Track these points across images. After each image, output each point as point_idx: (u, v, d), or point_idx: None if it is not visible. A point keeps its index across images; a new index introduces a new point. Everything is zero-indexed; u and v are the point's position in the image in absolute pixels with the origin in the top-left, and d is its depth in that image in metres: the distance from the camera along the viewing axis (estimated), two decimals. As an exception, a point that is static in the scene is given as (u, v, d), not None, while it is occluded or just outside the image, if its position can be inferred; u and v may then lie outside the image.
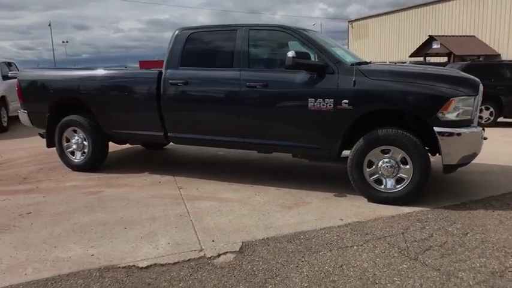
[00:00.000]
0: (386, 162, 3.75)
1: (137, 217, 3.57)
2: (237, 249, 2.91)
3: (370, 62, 4.68)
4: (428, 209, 3.66)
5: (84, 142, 5.18)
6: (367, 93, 3.70)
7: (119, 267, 2.67)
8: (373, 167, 3.82)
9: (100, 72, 5.10)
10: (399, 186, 3.75)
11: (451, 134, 3.54)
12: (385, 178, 3.80)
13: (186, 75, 4.43)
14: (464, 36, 18.59)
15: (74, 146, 5.24)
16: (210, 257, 2.79)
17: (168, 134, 4.70)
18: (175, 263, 2.71)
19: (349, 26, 35.40)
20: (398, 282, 2.44)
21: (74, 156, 5.29)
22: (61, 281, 2.51)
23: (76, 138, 5.21)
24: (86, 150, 5.18)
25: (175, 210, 3.74)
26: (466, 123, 3.63)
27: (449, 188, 4.26)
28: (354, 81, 3.71)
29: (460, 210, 3.62)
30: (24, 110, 5.55)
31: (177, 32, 4.62)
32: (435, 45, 17.84)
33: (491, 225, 3.29)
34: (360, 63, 4.13)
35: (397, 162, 3.74)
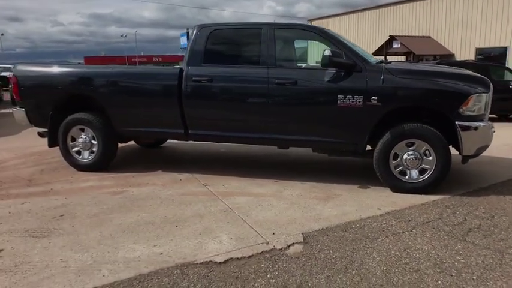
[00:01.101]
0: (411, 154, 4.04)
1: (181, 215, 3.55)
2: (301, 240, 3.02)
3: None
4: (449, 196, 4.00)
5: (93, 141, 4.97)
6: (396, 91, 3.97)
7: (196, 263, 2.67)
8: (398, 159, 4.10)
9: (116, 68, 4.92)
10: (423, 176, 4.06)
11: (469, 128, 3.91)
12: (409, 169, 4.09)
13: (210, 72, 4.42)
14: (421, 36, 19.99)
15: (81, 146, 5.01)
16: (281, 249, 2.88)
17: (189, 132, 4.66)
18: (250, 256, 2.76)
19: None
20: (462, 260, 2.70)
21: (80, 155, 5.06)
22: (145, 280, 2.47)
23: (83, 137, 4.98)
24: (94, 149, 4.98)
25: (215, 206, 3.75)
26: (480, 118, 4.02)
27: (456, 178, 4.66)
28: (383, 79, 3.95)
29: (476, 197, 4.00)
30: (21, 107, 5.20)
31: (198, 28, 4.59)
32: (396, 45, 19.01)
33: (509, 208, 3.70)
34: (382, 62, 4.39)
35: (420, 154, 4.04)
